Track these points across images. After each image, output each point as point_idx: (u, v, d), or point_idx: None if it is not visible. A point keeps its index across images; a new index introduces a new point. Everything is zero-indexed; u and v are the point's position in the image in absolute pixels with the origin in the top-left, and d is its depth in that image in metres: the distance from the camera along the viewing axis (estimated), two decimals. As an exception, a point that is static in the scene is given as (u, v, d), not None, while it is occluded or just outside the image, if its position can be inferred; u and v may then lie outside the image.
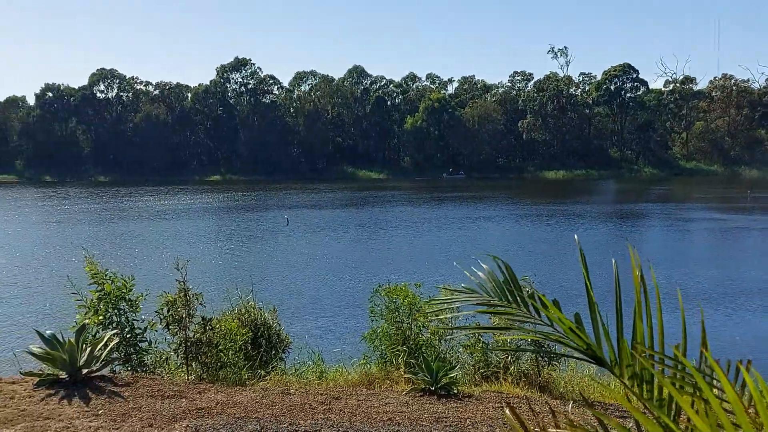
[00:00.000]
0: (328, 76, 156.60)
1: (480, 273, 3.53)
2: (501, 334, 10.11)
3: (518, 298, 3.34)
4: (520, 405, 8.93)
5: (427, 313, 10.38)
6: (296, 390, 9.52)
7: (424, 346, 11.05)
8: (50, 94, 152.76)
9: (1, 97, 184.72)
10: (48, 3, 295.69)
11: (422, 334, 11.32)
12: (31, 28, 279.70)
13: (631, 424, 2.60)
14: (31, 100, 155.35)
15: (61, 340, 9.41)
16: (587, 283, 3.14)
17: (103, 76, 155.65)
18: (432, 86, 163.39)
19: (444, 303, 3.75)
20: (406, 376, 10.22)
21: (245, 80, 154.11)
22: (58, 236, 49.61)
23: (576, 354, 3.07)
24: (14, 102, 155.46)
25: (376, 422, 8.07)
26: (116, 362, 10.03)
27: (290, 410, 8.40)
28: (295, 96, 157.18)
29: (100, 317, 10.24)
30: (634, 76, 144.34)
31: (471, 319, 10.08)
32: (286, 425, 7.74)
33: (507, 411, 3.15)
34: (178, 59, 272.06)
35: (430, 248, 43.00)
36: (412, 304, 11.17)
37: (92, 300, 10.38)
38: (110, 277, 10.47)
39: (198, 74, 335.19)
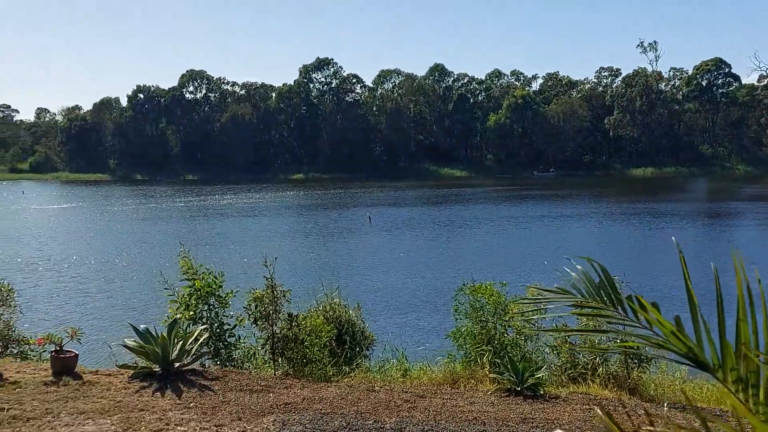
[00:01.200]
0: (411, 74, 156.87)
1: (574, 273, 3.44)
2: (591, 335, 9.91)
3: (614, 300, 3.24)
4: (608, 407, 8.73)
5: (521, 312, 10.23)
6: (381, 387, 9.55)
7: (510, 346, 10.92)
8: (141, 96, 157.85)
9: (96, 98, 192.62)
10: (140, 7, 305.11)
11: (507, 334, 11.19)
12: (124, 31, 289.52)
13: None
14: (124, 102, 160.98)
15: (154, 334, 9.68)
16: (688, 284, 3.04)
17: (192, 77, 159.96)
18: (516, 83, 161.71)
19: (539, 303, 3.67)
20: (491, 375, 10.13)
21: (328, 79, 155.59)
22: (147, 233, 51.19)
23: (675, 357, 2.97)
24: (108, 103, 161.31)
25: (461, 421, 8.02)
26: (206, 356, 10.26)
27: (375, 407, 8.42)
28: (378, 94, 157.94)
29: (191, 312, 10.49)
30: (727, 70, 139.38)
31: (558, 320, 9.91)
32: (371, 422, 7.77)
33: (598, 411, 3.07)
34: (263, 59, 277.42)
35: (512, 247, 42.58)
36: (497, 303, 11.04)
37: (183, 295, 10.64)
38: (201, 273, 10.71)
39: (282, 74, 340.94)
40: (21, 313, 11.71)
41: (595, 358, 10.98)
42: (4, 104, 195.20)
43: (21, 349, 11.27)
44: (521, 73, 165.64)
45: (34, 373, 9.49)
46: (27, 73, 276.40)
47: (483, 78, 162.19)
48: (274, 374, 10.10)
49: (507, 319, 11.07)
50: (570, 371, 10.98)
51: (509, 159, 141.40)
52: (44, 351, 11.06)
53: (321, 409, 8.23)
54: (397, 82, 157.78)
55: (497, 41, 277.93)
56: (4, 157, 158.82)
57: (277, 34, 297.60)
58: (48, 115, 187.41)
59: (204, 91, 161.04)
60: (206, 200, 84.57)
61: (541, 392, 9.43)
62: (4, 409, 7.88)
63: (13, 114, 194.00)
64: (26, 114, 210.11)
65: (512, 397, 9.28)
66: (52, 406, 8.06)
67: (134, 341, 9.72)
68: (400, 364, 11.27)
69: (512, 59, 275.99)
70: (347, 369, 10.82)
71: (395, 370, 11.04)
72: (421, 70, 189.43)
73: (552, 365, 11.17)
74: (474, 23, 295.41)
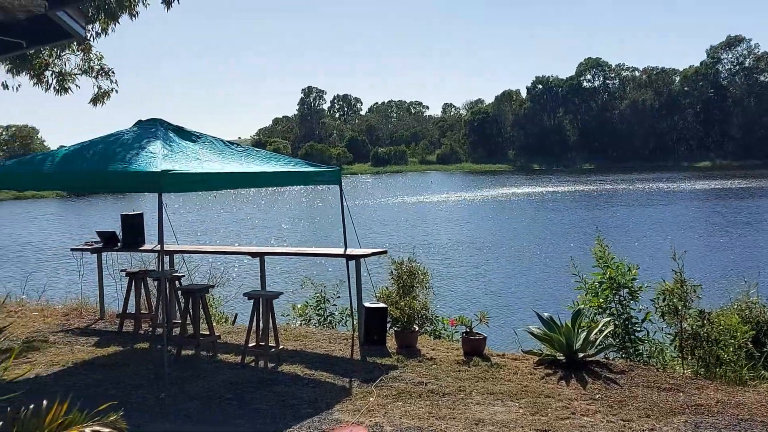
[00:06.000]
0: None
1: None
2: None
3: None
4: None
5: None
6: (809, 398, 8.54)
7: None
8: (540, 87, 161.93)
9: (497, 91, 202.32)
10: (532, 11, 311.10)
11: None
12: (517, 30, 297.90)
13: None
14: (524, 93, 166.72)
15: (557, 322, 9.82)
16: None
17: (589, 65, 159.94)
18: None
19: None
20: None
21: (739, 59, 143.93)
22: (546, 222, 52.07)
23: None
24: (509, 96, 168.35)
25: None
26: (610, 349, 10.11)
27: (804, 419, 7.57)
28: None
29: (601, 301, 10.39)
30: None
31: None
32: (800, 435, 7.00)
33: None
34: (664, 42, 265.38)
35: None
36: None
37: (593, 282, 10.58)
38: (615, 263, 10.55)
39: (687, 57, 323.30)
40: (434, 294, 12.56)
41: None
42: (416, 101, 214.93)
43: (434, 328, 12.15)
44: None
45: (447, 352, 10.22)
46: (436, 71, 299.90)
47: None
48: (683, 373, 9.59)
49: None
50: None
51: None
52: (455, 332, 11.81)
53: (737, 415, 7.62)
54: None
55: None
56: (415, 149, 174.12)
57: (680, 15, 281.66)
58: (453, 109, 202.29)
59: (602, 79, 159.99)
60: (604, 189, 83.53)
61: None
62: (423, 383, 8.61)
63: (423, 110, 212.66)
64: (434, 110, 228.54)
65: None
66: (464, 384, 8.59)
67: (538, 328, 9.97)
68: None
69: None
70: (766, 374, 9.85)
71: (823, 378, 9.76)
72: None
73: None
74: None
